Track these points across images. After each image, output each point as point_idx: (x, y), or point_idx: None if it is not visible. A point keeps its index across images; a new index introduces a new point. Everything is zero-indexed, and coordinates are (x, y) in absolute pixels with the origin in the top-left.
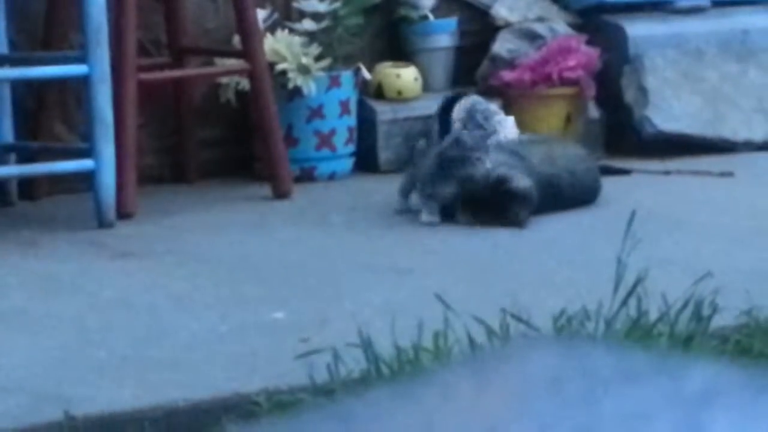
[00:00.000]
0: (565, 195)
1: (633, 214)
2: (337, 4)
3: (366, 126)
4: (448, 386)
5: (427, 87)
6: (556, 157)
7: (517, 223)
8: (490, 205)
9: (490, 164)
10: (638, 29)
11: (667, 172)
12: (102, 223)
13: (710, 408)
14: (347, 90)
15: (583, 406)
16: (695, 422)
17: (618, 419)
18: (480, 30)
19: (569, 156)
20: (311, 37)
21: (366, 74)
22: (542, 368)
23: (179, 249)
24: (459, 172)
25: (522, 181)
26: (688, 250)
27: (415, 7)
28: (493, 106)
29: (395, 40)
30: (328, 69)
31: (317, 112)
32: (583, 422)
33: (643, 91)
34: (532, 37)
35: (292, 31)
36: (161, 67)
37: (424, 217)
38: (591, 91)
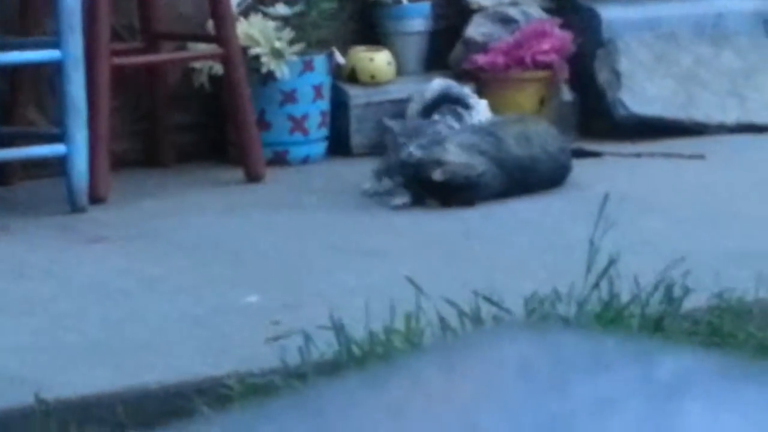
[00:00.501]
0: (540, 174)
1: (606, 196)
2: None
3: (339, 110)
4: (418, 374)
5: (400, 71)
6: (531, 136)
7: (464, 203)
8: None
9: (415, 149)
10: (612, 13)
11: (638, 155)
12: (75, 208)
13: (681, 395)
14: (320, 74)
15: (553, 394)
16: (666, 409)
17: (589, 406)
18: (453, 14)
19: (543, 135)
20: (284, 21)
21: (339, 58)
22: (513, 355)
23: (152, 233)
24: (391, 158)
25: (443, 169)
26: (660, 232)
27: None
28: (467, 90)
29: (368, 24)
30: (302, 53)
31: (290, 97)
32: (554, 409)
33: (616, 74)
34: (506, 20)
35: (265, 15)
36: (135, 52)
37: (395, 200)
38: (564, 74)
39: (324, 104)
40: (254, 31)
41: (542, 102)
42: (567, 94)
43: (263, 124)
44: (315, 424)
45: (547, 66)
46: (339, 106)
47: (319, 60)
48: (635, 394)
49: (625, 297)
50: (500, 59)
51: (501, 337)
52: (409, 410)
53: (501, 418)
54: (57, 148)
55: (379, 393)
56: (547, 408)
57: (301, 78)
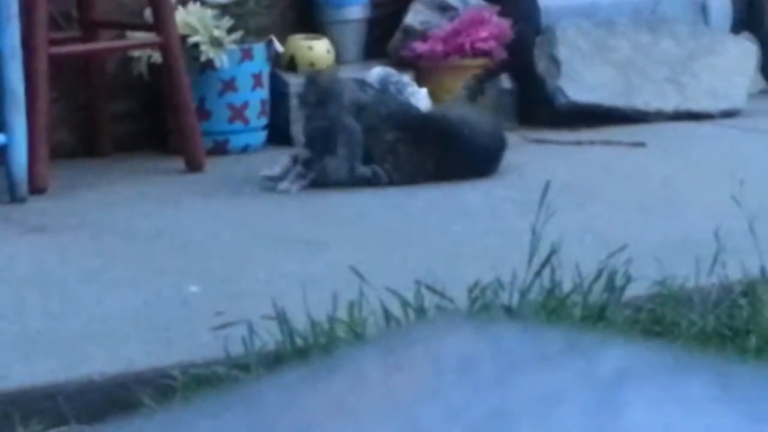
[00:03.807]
0: (472, 159)
1: (547, 184)
2: None
3: (279, 99)
4: (358, 368)
5: (339, 59)
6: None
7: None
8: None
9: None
10: (550, 0)
11: (579, 143)
12: (14, 198)
13: (624, 389)
14: (260, 63)
15: (495, 388)
16: (609, 403)
17: (531, 401)
18: (392, 1)
19: (478, 120)
20: (223, 9)
21: (278, 47)
22: (455, 349)
23: (92, 223)
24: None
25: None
26: (601, 220)
27: None
28: (406, 78)
29: (307, 12)
30: (241, 42)
31: (230, 85)
32: (496, 404)
33: (555, 61)
34: (444, 8)
35: (203, 3)
36: (72, 41)
37: (282, 184)
38: (503, 62)
39: (263, 93)
40: (193, 19)
41: (481, 90)
42: (506, 82)
43: (203, 113)
44: (255, 420)
45: (486, 53)
46: (278, 95)
47: (258, 48)
48: (578, 388)
49: (567, 285)
50: (439, 47)
51: (443, 330)
52: (349, 406)
53: (442, 413)
54: None
55: (319, 388)
56: (488, 403)
57: (240, 67)
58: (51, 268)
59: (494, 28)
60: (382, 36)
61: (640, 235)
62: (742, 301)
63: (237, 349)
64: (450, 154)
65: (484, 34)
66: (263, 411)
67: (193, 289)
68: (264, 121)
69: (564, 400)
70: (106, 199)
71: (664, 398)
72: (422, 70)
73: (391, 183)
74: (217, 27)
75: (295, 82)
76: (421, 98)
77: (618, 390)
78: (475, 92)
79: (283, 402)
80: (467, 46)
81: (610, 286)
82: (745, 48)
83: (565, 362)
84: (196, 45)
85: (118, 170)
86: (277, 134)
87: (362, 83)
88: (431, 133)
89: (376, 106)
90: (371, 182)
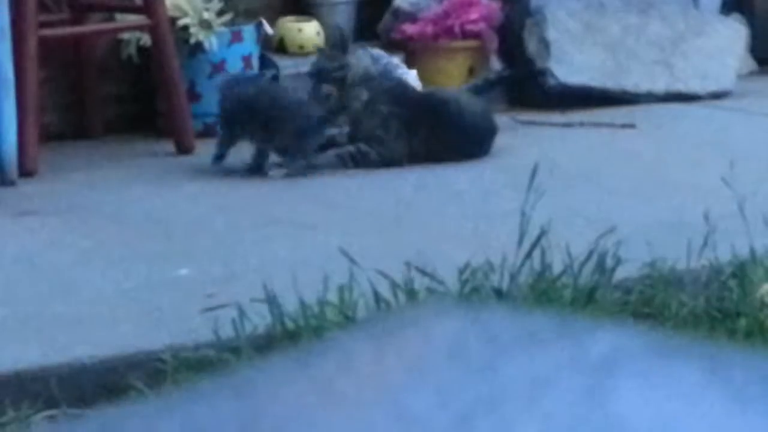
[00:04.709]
0: (465, 142)
1: (536, 166)
2: None
3: None
4: (348, 353)
5: (329, 41)
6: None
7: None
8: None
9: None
10: None
11: (569, 125)
12: (4, 181)
13: (614, 374)
14: (249, 45)
15: (485, 373)
16: (599, 388)
17: (521, 385)
18: None
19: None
20: None
21: (268, 29)
22: (444, 334)
23: (82, 206)
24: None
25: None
26: (591, 202)
27: None
28: (396, 60)
29: None
30: (230, 24)
31: (219, 68)
32: (485, 389)
33: (545, 43)
34: None
35: None
36: (62, 24)
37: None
38: (493, 44)
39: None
40: (182, 1)
41: (471, 72)
42: (496, 64)
43: (193, 95)
44: (244, 405)
45: (476, 35)
46: None
47: (248, 31)
48: (567, 373)
49: (557, 267)
50: (429, 29)
51: (433, 314)
52: (339, 391)
53: (431, 398)
54: None
55: (308, 373)
56: (478, 387)
57: (229, 49)
58: (41, 250)
59: (483, 10)
60: (372, 18)
61: (630, 217)
62: (732, 283)
63: (227, 332)
64: (441, 134)
65: (473, 15)
66: (252, 397)
67: (183, 271)
68: None
69: (553, 384)
70: (95, 181)
71: (653, 383)
72: (412, 51)
73: (381, 161)
74: (206, 9)
75: (284, 64)
76: (410, 80)
77: (607, 374)
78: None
79: (272, 388)
80: (457, 28)
81: (601, 268)
82: (735, 29)
83: (554, 346)
84: (185, 27)
85: (108, 153)
86: None
87: (373, 57)
88: (424, 110)
89: (380, 79)
90: (357, 162)
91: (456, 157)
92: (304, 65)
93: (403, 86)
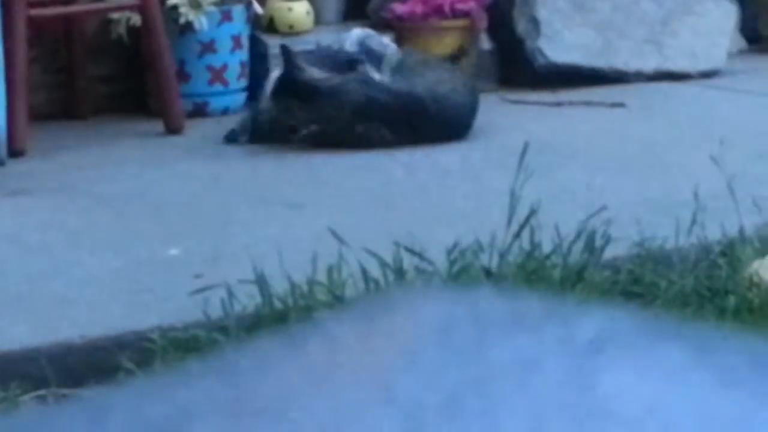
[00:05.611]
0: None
1: (526, 145)
2: None
3: (258, 60)
4: (335, 335)
5: (319, 20)
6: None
7: None
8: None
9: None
10: None
11: (558, 104)
12: None
13: (602, 355)
14: (239, 24)
15: (473, 355)
16: (587, 370)
17: (509, 367)
18: None
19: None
20: None
21: (257, 8)
22: (432, 315)
23: (72, 185)
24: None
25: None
26: (580, 181)
27: None
28: (386, 39)
29: None
30: (220, 3)
31: (209, 47)
32: (473, 371)
33: (534, 22)
34: None
35: None
36: (51, 3)
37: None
38: (483, 23)
39: (243, 54)
40: None
41: (461, 50)
42: (486, 43)
43: (182, 75)
44: (231, 386)
45: (466, 14)
46: (258, 57)
47: (238, 10)
48: (556, 354)
49: (546, 247)
50: (419, 8)
51: (421, 295)
52: (325, 373)
53: (419, 380)
54: None
55: (297, 354)
56: (466, 369)
57: (219, 28)
58: (30, 230)
59: None
60: None
61: (619, 196)
62: (721, 261)
63: (216, 312)
64: (421, 130)
65: None
66: (241, 378)
67: (173, 251)
68: (243, 83)
69: (542, 365)
70: (85, 161)
71: (641, 364)
72: (402, 31)
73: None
74: None
75: (274, 44)
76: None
77: (595, 356)
78: (457, 57)
79: (260, 369)
80: (447, 8)
81: (590, 247)
82: (725, 8)
83: (543, 328)
84: (175, 7)
85: (97, 133)
86: (257, 96)
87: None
88: (400, 110)
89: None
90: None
91: (438, 139)
92: (295, 45)
93: (374, 90)
